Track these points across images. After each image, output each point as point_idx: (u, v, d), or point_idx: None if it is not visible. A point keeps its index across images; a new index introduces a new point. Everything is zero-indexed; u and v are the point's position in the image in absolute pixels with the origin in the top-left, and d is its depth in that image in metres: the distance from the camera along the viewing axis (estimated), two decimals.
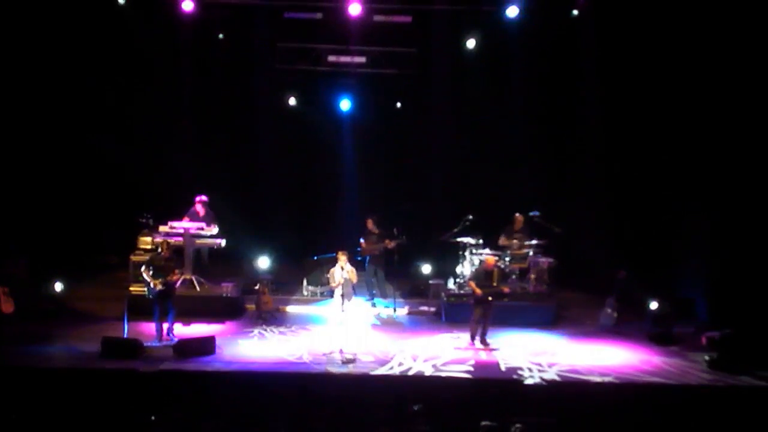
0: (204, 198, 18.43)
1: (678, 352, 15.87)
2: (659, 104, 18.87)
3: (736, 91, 16.93)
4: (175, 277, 15.96)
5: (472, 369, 14.71)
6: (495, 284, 16.07)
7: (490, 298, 15.92)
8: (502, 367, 14.88)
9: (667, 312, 17.01)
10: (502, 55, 21.60)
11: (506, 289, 16.61)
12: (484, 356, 15.51)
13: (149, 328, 16.11)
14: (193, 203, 18.56)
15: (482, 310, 15.95)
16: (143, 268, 15.91)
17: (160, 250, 16.14)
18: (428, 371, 14.52)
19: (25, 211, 18.79)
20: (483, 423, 11.97)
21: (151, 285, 15.67)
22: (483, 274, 16.31)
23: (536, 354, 15.61)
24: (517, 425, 11.54)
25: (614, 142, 20.08)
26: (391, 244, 18.68)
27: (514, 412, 12.80)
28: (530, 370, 14.65)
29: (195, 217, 18.23)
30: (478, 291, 15.89)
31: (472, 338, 16.04)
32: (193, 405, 12.92)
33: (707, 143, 17.60)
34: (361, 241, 18.86)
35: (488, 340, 16.03)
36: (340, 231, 19.87)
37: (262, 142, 22.65)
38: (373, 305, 18.82)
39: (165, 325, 15.85)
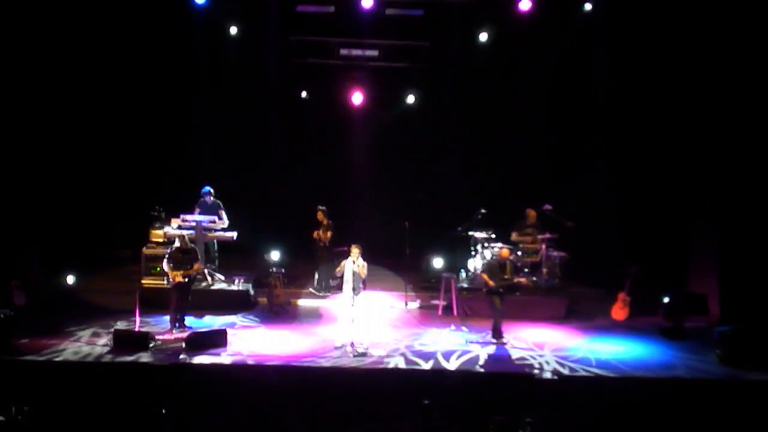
0: (208, 188, 18.40)
1: (689, 347, 15.82)
2: (671, 98, 18.83)
3: (748, 84, 16.90)
4: (196, 267, 16.09)
5: (483, 363, 14.69)
6: (507, 276, 16.03)
7: (501, 290, 15.89)
8: (514, 362, 14.86)
9: (679, 307, 16.98)
10: (514, 49, 21.54)
11: (523, 280, 16.59)
12: (495, 350, 15.47)
13: (161, 321, 16.19)
14: (201, 195, 18.54)
15: (499, 299, 15.90)
16: (164, 262, 16.00)
17: (178, 244, 16.22)
18: (439, 365, 14.50)
19: (37, 204, 18.82)
20: (494, 417, 12.02)
21: (172, 278, 15.76)
22: (497, 266, 16.26)
23: (548, 348, 15.59)
24: (528, 419, 11.57)
25: (626, 137, 20.01)
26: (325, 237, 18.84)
27: (526, 407, 12.84)
28: (542, 364, 14.63)
29: (204, 208, 18.23)
30: (491, 282, 15.85)
31: (497, 331, 15.87)
32: (205, 398, 12.98)
33: (720, 136, 17.54)
34: (316, 232, 18.96)
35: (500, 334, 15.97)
36: (351, 224, 19.80)
37: (274, 136, 22.60)
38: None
39: (178, 317, 15.92)
